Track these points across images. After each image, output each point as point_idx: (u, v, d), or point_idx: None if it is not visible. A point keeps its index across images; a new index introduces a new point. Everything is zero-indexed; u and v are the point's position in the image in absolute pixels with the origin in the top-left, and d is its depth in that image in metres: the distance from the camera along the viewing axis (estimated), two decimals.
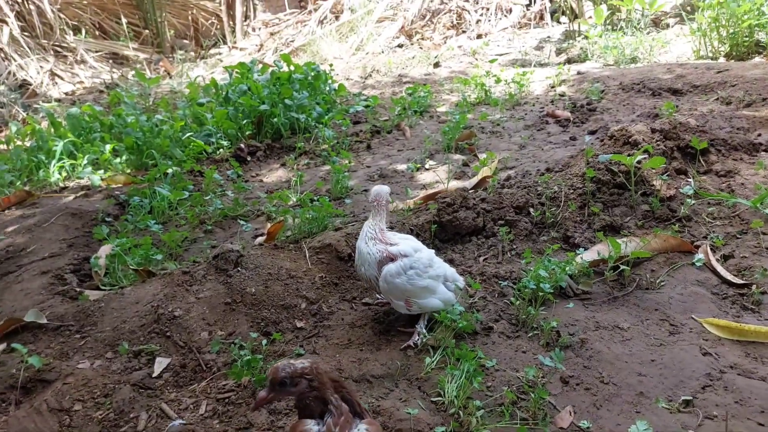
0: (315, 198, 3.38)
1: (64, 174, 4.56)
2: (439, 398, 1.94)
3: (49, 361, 2.16)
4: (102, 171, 4.49)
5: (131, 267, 2.79)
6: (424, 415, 1.85)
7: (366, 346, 2.23)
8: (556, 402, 1.92)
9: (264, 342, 2.19)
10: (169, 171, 4.10)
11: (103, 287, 2.78)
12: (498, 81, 5.89)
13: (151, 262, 2.87)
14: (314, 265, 2.67)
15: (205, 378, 2.11)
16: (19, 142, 5.13)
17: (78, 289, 2.78)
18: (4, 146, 5.22)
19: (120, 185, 4.28)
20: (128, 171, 4.57)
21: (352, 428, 1.44)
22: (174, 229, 3.26)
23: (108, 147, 4.62)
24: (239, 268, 2.54)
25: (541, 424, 1.81)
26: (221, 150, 4.74)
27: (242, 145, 4.64)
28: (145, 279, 2.72)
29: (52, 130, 5.08)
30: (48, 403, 1.96)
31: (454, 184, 3.63)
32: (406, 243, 2.22)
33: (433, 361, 2.08)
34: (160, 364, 2.16)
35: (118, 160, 4.69)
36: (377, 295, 2.46)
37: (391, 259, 2.13)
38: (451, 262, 2.78)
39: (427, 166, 4.08)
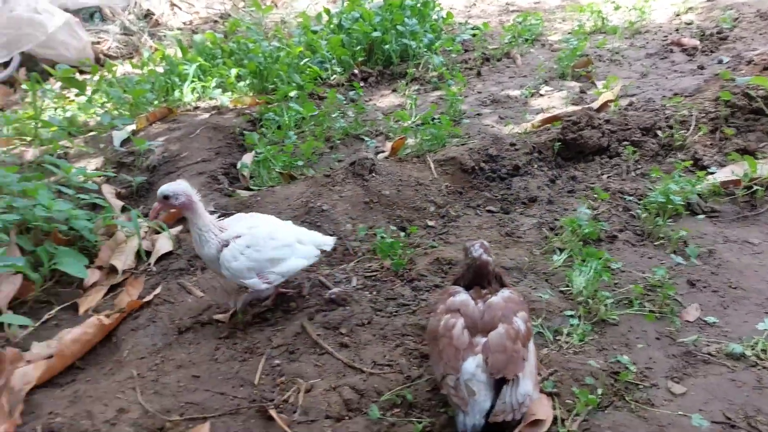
0: (435, 117, 3.58)
1: (196, 95, 5.07)
2: (567, 289, 2.16)
3: None
4: (229, 93, 4.94)
5: (277, 170, 3.18)
6: (554, 300, 2.08)
7: (493, 244, 2.47)
8: (683, 300, 2.08)
9: (402, 234, 2.49)
10: (292, 93, 4.45)
11: (252, 188, 3.20)
12: (617, 8, 5.64)
13: (292, 167, 3.25)
14: (440, 175, 2.92)
15: (353, 260, 2.46)
16: (151, 67, 5.72)
17: (230, 189, 3.23)
18: (139, 70, 5.83)
19: (246, 106, 4.71)
20: (250, 94, 5.00)
21: (497, 293, 1.70)
22: (310, 138, 3.59)
23: (234, 71, 5.04)
24: (374, 174, 2.84)
25: (669, 315, 1.98)
26: (335, 76, 5.02)
27: (356, 71, 4.90)
28: (288, 181, 3.10)
29: (180, 55, 5.61)
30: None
31: (572, 109, 3.68)
32: (238, 224, 2.10)
33: (560, 259, 2.29)
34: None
35: (241, 83, 5.13)
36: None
37: (225, 245, 2.03)
38: (573, 179, 2.91)
39: (542, 92, 4.13)
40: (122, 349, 2.07)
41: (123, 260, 2.61)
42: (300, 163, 3.25)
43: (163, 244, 2.69)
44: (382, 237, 2.44)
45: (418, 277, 2.26)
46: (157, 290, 2.26)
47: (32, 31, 6.08)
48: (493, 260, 1.77)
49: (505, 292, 1.70)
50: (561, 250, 2.35)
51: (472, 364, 1.54)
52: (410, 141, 3.36)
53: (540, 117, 3.59)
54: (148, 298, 2.22)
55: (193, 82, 5.11)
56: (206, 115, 4.55)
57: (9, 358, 1.86)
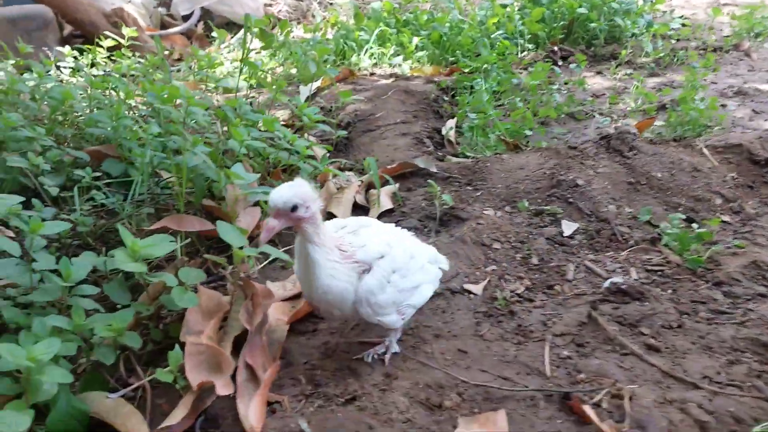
0: (694, 99, 3.05)
1: (373, 60, 4.91)
2: None
3: (457, 203, 2.30)
4: (409, 62, 4.71)
5: (503, 138, 2.85)
6: None
7: None
8: None
9: (695, 226, 2.04)
10: (483, 66, 4.12)
11: (466, 154, 2.90)
12: None
13: (518, 135, 2.90)
14: (721, 164, 2.42)
15: (622, 248, 2.05)
16: (323, 31, 5.66)
17: (439, 153, 2.94)
18: (310, 34, 5.80)
19: (427, 75, 4.45)
20: (429, 64, 4.75)
21: None
22: (522, 108, 3.23)
23: (416, 39, 4.81)
24: (635, 152, 2.40)
25: None
26: (525, 52, 4.63)
27: (555, 48, 4.47)
28: (513, 150, 2.76)
29: (352, 22, 5.50)
30: (469, 237, 2.09)
31: None
32: (370, 238, 1.47)
33: None
34: (569, 226, 2.16)
35: (419, 53, 4.89)
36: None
37: (366, 271, 1.42)
38: None
39: None
40: None
41: (342, 211, 2.40)
42: (528, 132, 2.89)
43: (385, 200, 2.45)
44: (670, 227, 2.01)
45: (730, 280, 1.80)
46: None
47: None
48: None
49: None
50: None
51: None
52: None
53: None
54: None
55: (371, 48, 4.97)
56: (385, 81, 4.36)
57: (262, 293, 1.66)
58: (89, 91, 2.84)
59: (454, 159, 2.85)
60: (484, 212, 2.25)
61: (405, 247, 1.50)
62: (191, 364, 1.48)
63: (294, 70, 4.72)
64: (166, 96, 2.43)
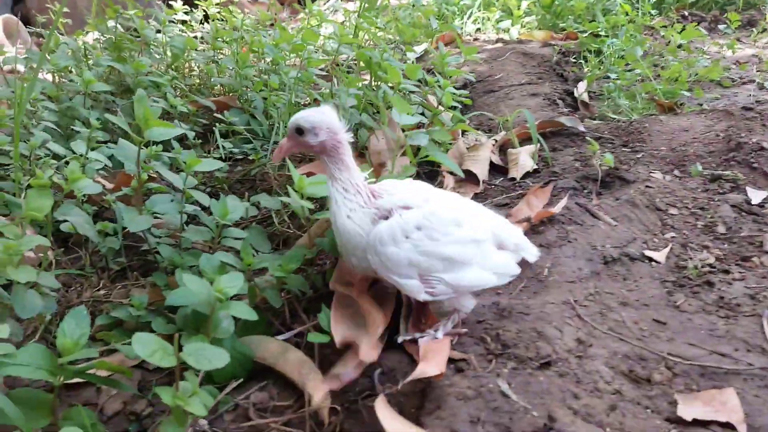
0: None
1: (477, 25, 4.68)
2: None
3: (617, 164, 2.08)
4: (517, 26, 4.45)
5: (656, 99, 2.59)
6: None
7: None
8: None
9: None
10: (602, 30, 3.81)
11: (612, 116, 2.65)
12: None
13: (674, 97, 2.63)
14: None
15: None
16: None
17: (576, 115, 2.71)
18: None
19: (537, 40, 4.18)
20: (538, 29, 4.47)
21: None
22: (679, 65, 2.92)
23: (525, 4, 4.53)
24: None
25: None
26: (646, 15, 4.26)
27: (685, 13, 4.08)
28: (667, 113, 2.49)
29: None
30: (640, 200, 1.87)
31: None
32: (407, 190, 1.29)
33: None
34: (757, 194, 1.89)
35: (527, 18, 4.61)
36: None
37: (384, 217, 1.23)
38: None
39: None
40: (535, 265, 1.64)
41: (480, 169, 2.23)
42: (686, 93, 2.60)
43: (526, 160, 2.25)
44: None
45: None
46: (563, 202, 1.79)
47: None
48: None
49: None
50: None
51: None
52: None
53: None
54: (554, 210, 1.76)
55: (475, 12, 4.74)
56: (492, 46, 4.13)
57: None
58: (212, 42, 2.79)
59: (594, 121, 2.61)
60: (652, 175, 2.01)
61: (451, 212, 1.24)
62: (337, 317, 1.35)
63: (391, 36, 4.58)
64: (298, 43, 2.33)
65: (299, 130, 1.21)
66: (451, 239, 1.22)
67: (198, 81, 2.76)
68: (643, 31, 3.74)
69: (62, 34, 2.96)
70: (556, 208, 1.75)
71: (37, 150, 1.69)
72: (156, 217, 1.52)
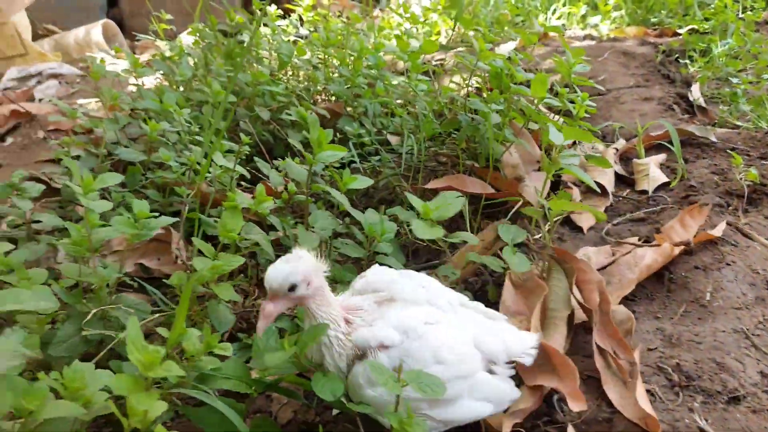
0: None
1: (562, 20, 4.59)
2: None
3: (763, 180, 2.01)
4: (607, 22, 4.34)
5: None
6: None
7: None
8: None
9: None
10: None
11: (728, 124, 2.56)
12: None
13: None
14: None
15: None
16: None
17: (695, 121, 2.63)
18: None
19: (629, 37, 4.07)
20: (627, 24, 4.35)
21: None
22: None
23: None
24: None
25: None
26: (756, 10, 4.07)
27: None
28: None
29: None
30: None
31: None
32: (389, 316, 1.12)
33: None
34: None
35: (615, 13, 4.49)
36: None
37: (359, 357, 1.10)
38: None
39: None
40: (693, 289, 1.62)
41: (607, 181, 2.19)
42: None
43: (656, 171, 2.21)
44: None
45: None
46: (722, 226, 1.75)
47: None
48: None
49: None
50: None
51: None
52: None
53: None
54: (714, 233, 1.72)
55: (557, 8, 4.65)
56: (579, 43, 4.04)
57: (586, 267, 1.52)
58: (324, 50, 2.84)
59: (717, 129, 2.53)
60: None
61: (432, 346, 1.08)
62: None
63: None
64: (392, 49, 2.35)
65: (292, 287, 1.05)
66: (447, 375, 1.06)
67: (304, 88, 2.82)
68: (754, 28, 3.58)
69: (161, 40, 3.08)
70: (716, 231, 1.71)
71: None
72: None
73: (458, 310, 1.20)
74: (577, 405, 1.17)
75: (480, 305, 1.26)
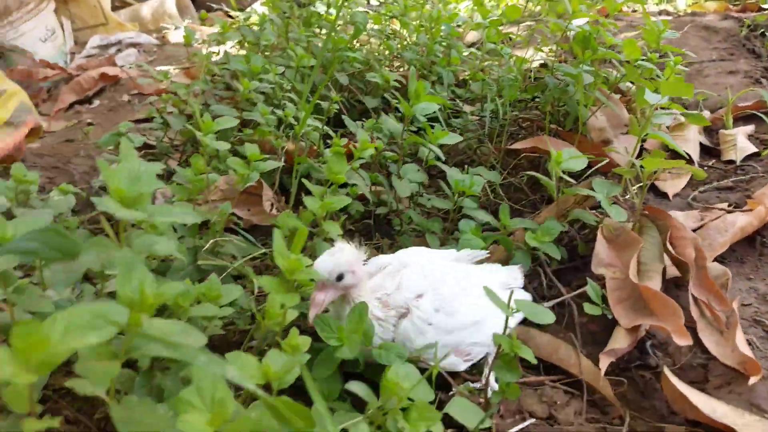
0: None
1: None
2: None
3: None
4: None
5: None
6: None
7: None
8: None
9: None
10: None
11: None
12: None
13: None
14: None
15: None
16: None
17: None
18: None
19: (710, 12, 3.94)
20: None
21: None
22: None
23: None
24: None
25: None
26: None
27: None
28: None
29: None
30: None
31: None
32: (407, 277, 1.24)
33: None
34: None
35: None
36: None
37: (403, 315, 1.20)
38: None
39: None
40: None
41: (692, 149, 2.17)
42: None
43: (744, 141, 2.17)
44: None
45: None
46: None
47: None
48: None
49: None
50: None
51: None
52: None
53: None
54: None
55: None
56: (653, 18, 3.93)
57: (679, 225, 1.53)
58: (401, 19, 2.89)
59: None
60: None
61: (454, 282, 1.26)
62: (615, 299, 1.40)
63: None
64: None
65: (340, 277, 1.13)
66: (466, 305, 1.24)
67: (379, 55, 2.88)
68: None
69: (233, 10, 3.20)
70: None
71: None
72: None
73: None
74: (682, 340, 1.20)
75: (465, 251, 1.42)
